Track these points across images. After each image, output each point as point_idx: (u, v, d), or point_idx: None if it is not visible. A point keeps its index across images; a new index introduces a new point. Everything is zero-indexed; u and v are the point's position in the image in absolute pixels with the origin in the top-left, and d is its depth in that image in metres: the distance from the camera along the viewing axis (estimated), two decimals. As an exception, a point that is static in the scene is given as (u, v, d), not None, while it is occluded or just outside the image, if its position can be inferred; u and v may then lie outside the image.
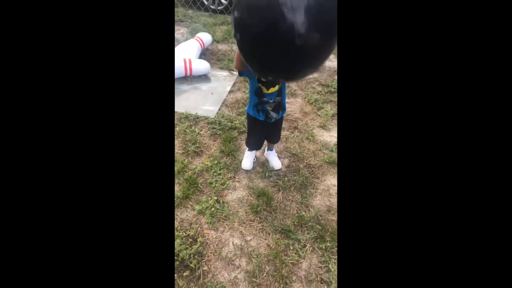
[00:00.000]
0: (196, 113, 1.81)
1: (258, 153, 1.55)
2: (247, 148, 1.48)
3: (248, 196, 1.34)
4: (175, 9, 3.30)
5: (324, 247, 1.14)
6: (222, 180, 1.40)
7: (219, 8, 3.31)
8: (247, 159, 1.48)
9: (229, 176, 1.43)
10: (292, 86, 2.14)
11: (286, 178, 1.43)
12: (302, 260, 1.10)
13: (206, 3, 3.33)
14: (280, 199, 1.33)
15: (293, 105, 1.95)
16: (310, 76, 1.00)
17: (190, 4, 3.31)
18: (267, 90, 1.19)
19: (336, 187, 1.41)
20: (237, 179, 1.42)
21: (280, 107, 1.26)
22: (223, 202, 1.30)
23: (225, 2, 3.27)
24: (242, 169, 1.46)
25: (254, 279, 1.04)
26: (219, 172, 1.44)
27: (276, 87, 1.19)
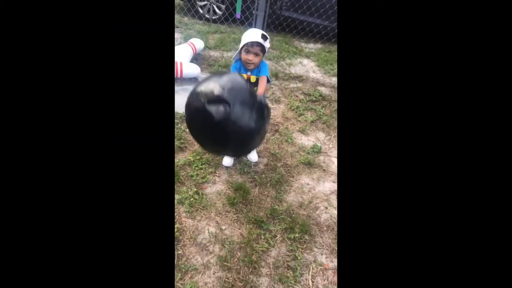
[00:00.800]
0: (183, 112, 1.90)
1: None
2: None
3: (226, 189, 1.43)
4: (171, 15, 3.43)
5: (293, 237, 1.23)
6: (203, 174, 1.48)
7: (213, 17, 3.47)
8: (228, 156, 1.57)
9: (210, 171, 1.51)
10: (276, 93, 2.28)
11: (263, 175, 1.53)
12: (272, 249, 1.19)
13: (201, 11, 3.49)
14: (256, 194, 1.43)
15: (276, 111, 2.08)
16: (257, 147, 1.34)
17: (185, 12, 3.45)
18: None
19: (309, 186, 1.52)
20: (217, 174, 1.51)
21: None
22: (202, 194, 1.38)
23: (219, 12, 3.43)
24: (223, 165, 1.55)
25: (226, 263, 1.11)
26: (200, 166, 1.52)
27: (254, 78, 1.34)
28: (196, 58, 2.59)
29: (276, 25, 3.20)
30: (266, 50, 1.31)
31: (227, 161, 1.56)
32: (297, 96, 2.28)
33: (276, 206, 1.37)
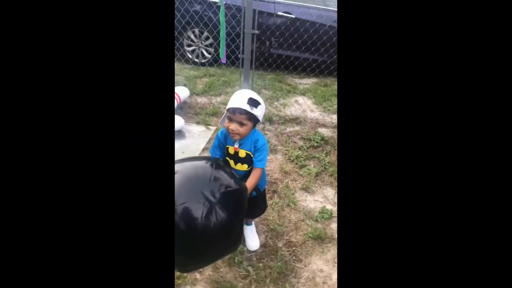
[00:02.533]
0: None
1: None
2: None
3: (210, 293, 1.05)
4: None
5: None
6: (177, 273, 1.11)
7: (203, 61, 3.35)
8: None
9: (190, 262, 1.14)
10: (271, 140, 1.98)
11: (260, 264, 1.15)
12: None
13: (190, 56, 3.39)
14: (251, 297, 1.04)
15: (273, 163, 1.76)
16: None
17: (177, 58, 3.35)
18: (235, 165, 1.02)
19: (323, 274, 1.13)
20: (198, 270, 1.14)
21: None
22: (176, 306, 1.00)
23: (208, 56, 3.33)
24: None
25: None
26: (177, 258, 1.16)
27: (245, 166, 1.02)
28: (181, 107, 2.37)
29: (268, 64, 3.04)
30: (260, 119, 0.97)
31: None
32: (295, 143, 1.98)
33: (281, 319, 0.97)
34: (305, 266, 1.16)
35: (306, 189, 1.57)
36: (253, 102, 0.92)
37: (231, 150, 1.00)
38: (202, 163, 0.90)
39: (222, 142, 1.03)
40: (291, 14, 2.96)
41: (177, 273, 1.09)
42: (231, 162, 1.02)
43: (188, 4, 2.88)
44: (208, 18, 2.98)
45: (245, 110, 0.91)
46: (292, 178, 1.65)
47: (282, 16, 2.98)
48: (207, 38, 3.25)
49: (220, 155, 1.05)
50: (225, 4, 2.34)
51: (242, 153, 0.99)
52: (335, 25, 2.82)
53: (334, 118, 2.32)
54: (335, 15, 2.85)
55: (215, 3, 2.95)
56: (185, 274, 1.09)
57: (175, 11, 2.95)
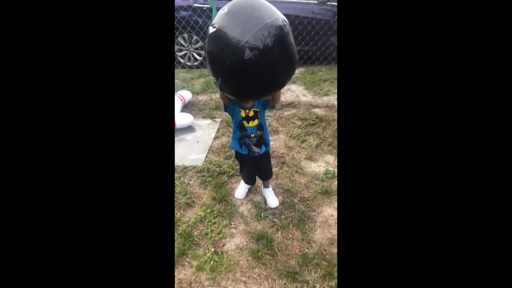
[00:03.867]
0: (183, 164, 1.81)
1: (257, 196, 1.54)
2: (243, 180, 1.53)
3: (247, 241, 1.29)
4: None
5: (334, 284, 1.08)
6: (218, 229, 1.35)
7: (194, 63, 3.56)
8: (241, 188, 1.52)
9: (225, 223, 1.38)
10: (273, 124, 2.23)
11: (283, 216, 1.40)
12: (315, 304, 1.03)
13: (182, 61, 3.59)
14: (280, 239, 1.29)
15: (277, 142, 2.02)
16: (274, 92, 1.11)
17: (168, 64, 3.55)
18: (248, 123, 1.25)
19: (333, 217, 1.39)
20: (233, 225, 1.38)
21: (262, 141, 1.31)
22: (221, 253, 1.23)
23: (199, 58, 3.54)
24: (235, 197, 1.49)
25: (267, 337, 0.94)
26: (213, 221, 1.39)
27: (256, 121, 1.25)
28: (186, 107, 2.58)
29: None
30: None
31: (239, 194, 1.51)
32: (294, 123, 2.24)
33: (306, 250, 1.23)
34: (318, 214, 1.42)
35: (309, 158, 1.83)
36: None
37: (243, 113, 1.23)
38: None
39: (235, 104, 1.23)
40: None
41: (216, 231, 1.33)
42: (244, 122, 1.25)
43: (175, 11, 3.09)
44: (195, 21, 3.19)
45: None
46: (296, 151, 1.91)
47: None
48: (196, 42, 3.47)
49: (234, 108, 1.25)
50: (217, 8, 2.56)
51: (251, 113, 1.23)
52: (316, 16, 3.09)
53: (324, 99, 2.60)
54: (316, 7, 3.13)
55: (199, 7, 3.18)
56: (223, 231, 1.33)
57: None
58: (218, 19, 0.91)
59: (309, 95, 2.69)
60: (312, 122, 2.22)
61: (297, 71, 3.36)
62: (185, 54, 3.57)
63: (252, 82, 0.93)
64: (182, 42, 3.48)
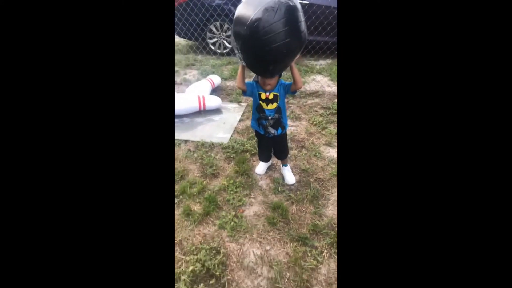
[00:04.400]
0: (211, 141, 1.99)
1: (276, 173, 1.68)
2: None
3: (264, 210, 1.44)
4: (187, 55, 3.73)
5: (340, 251, 1.19)
6: (239, 197, 1.51)
7: (224, 51, 3.72)
8: (261, 165, 1.68)
9: (245, 193, 1.54)
10: (295, 111, 2.33)
11: (298, 192, 1.53)
12: (321, 265, 1.15)
13: (213, 48, 3.77)
14: (294, 211, 1.42)
15: (299, 128, 2.12)
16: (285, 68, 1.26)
17: (201, 50, 3.74)
18: (267, 106, 1.37)
19: (346, 197, 1.49)
20: (252, 196, 1.53)
21: (279, 124, 1.43)
22: (241, 217, 1.40)
23: (229, 45, 3.68)
24: (256, 173, 1.65)
25: (277, 285, 1.09)
26: (235, 190, 1.56)
27: (275, 104, 1.37)
28: (215, 90, 2.76)
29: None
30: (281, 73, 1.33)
31: (259, 170, 1.65)
32: (316, 111, 2.32)
33: (317, 221, 1.35)
34: (332, 193, 1.53)
35: (328, 144, 1.92)
36: None
37: (263, 95, 1.34)
38: None
39: (254, 87, 1.36)
40: (305, 0, 3.25)
41: (237, 198, 1.49)
42: (263, 104, 1.36)
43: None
44: (228, 9, 3.32)
45: None
46: (316, 137, 2.00)
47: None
48: (227, 30, 3.61)
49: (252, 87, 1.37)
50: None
51: (271, 96, 1.34)
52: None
53: (348, 91, 2.63)
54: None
55: (234, -4, 3.30)
56: (243, 199, 1.49)
57: (200, 6, 3.34)
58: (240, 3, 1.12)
59: (334, 86, 2.73)
60: (334, 111, 2.29)
61: (323, 62, 3.41)
62: (216, 42, 3.74)
63: (263, 49, 1.07)
64: (214, 29, 3.64)
